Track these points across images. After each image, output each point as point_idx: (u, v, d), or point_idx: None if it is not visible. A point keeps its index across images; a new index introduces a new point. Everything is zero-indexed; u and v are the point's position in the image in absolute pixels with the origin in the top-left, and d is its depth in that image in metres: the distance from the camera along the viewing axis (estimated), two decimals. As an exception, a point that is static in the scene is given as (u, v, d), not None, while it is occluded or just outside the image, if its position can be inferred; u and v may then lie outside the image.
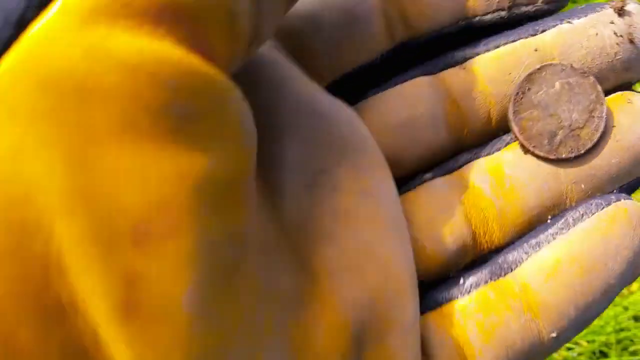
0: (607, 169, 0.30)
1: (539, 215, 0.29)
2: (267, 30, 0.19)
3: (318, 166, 0.24)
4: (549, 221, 0.29)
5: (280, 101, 0.24)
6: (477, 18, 0.31)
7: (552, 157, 0.29)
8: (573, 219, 0.28)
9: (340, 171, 0.25)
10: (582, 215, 0.28)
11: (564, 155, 0.30)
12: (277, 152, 0.23)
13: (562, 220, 0.29)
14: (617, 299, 0.92)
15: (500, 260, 0.28)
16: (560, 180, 0.30)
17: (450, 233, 0.28)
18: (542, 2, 0.32)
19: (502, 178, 0.29)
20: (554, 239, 0.28)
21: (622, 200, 0.29)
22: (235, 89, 0.17)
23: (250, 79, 0.22)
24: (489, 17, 0.31)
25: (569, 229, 0.28)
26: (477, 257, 0.29)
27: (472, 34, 0.31)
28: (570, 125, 0.30)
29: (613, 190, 0.30)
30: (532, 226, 0.29)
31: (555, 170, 0.30)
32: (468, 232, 0.28)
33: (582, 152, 0.30)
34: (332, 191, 0.24)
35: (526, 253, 0.28)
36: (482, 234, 0.29)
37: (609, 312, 0.92)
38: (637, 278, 0.29)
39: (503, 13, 0.31)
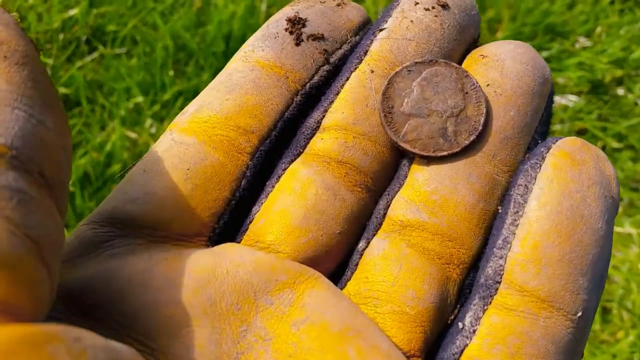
0: (512, 124, 0.29)
1: (486, 206, 0.28)
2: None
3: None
4: (499, 210, 0.28)
5: None
6: (307, 85, 0.31)
7: (457, 149, 0.29)
8: (521, 196, 0.28)
9: None
10: (526, 185, 0.28)
11: (466, 142, 0.29)
12: None
13: (512, 202, 0.28)
14: (605, 347, 0.91)
15: (482, 281, 0.27)
16: (480, 163, 0.29)
17: (421, 282, 0.27)
18: (351, 37, 0.32)
19: (428, 197, 0.28)
20: (516, 227, 0.27)
21: (552, 145, 0.28)
22: None
23: None
24: (316, 78, 0.31)
25: (523, 208, 0.27)
26: (460, 284, 0.28)
27: (313, 100, 0.31)
28: (453, 113, 0.30)
29: (533, 138, 0.30)
30: (488, 220, 0.28)
31: (469, 159, 0.29)
32: (436, 269, 0.28)
33: (480, 128, 0.29)
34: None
35: (501, 257, 0.27)
36: (449, 260, 0.28)
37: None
38: (617, 196, 0.28)
39: (326, 67, 0.31)
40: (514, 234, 0.27)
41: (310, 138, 0.30)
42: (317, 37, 0.31)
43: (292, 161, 0.30)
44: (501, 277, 0.26)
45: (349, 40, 0.32)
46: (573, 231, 0.26)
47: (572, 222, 0.26)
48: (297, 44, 0.31)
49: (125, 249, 0.27)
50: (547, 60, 1.19)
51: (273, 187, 0.29)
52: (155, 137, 1.04)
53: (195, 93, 1.07)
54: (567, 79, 1.17)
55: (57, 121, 0.21)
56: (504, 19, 1.22)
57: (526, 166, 0.28)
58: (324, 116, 0.30)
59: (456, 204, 0.28)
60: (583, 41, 1.22)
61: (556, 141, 0.29)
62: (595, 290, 0.26)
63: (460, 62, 0.32)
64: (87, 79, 1.07)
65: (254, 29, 1.15)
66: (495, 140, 0.29)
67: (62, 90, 1.06)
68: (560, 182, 0.27)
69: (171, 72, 1.09)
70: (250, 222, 0.29)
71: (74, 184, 0.97)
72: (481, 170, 0.29)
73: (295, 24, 0.31)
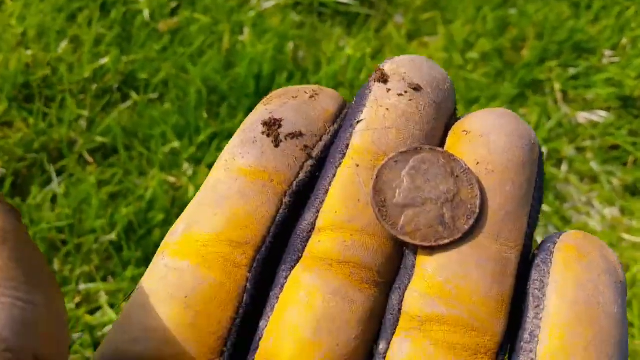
0: (510, 199, 0.29)
1: (501, 287, 0.28)
2: None
3: None
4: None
5: None
6: (294, 184, 0.30)
7: (458, 236, 0.28)
8: (539, 290, 0.28)
9: None
10: (542, 280, 0.28)
11: (466, 227, 0.29)
12: None
13: (530, 297, 0.28)
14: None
15: None
16: (486, 245, 0.29)
17: None
18: (330, 126, 0.32)
19: (442, 288, 0.28)
20: (539, 320, 0.28)
21: (557, 240, 0.29)
22: None
23: None
24: (301, 175, 0.30)
25: (543, 302, 0.28)
26: None
27: (302, 197, 0.31)
28: (447, 198, 0.29)
29: (534, 210, 0.30)
30: (506, 301, 0.28)
31: (475, 242, 0.29)
32: None
33: (478, 210, 0.29)
34: None
35: (531, 351, 0.27)
36: (476, 350, 0.28)
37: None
38: (624, 280, 0.29)
39: (310, 162, 0.31)
40: (539, 327, 0.27)
41: (307, 241, 0.29)
42: (296, 135, 0.31)
43: (293, 267, 0.29)
44: None
45: (328, 131, 0.31)
46: (593, 318, 0.27)
47: (590, 310, 0.27)
48: (277, 145, 0.30)
49: None
50: (575, 77, 1.20)
51: (277, 297, 0.29)
52: (192, 180, 1.06)
53: (229, 134, 1.08)
54: (596, 95, 1.18)
55: (46, 294, 0.21)
56: (528, 38, 1.23)
57: (537, 261, 0.29)
58: (316, 216, 0.30)
59: (471, 292, 0.28)
60: (609, 55, 1.22)
61: (559, 236, 0.29)
62: None
63: (443, 138, 0.32)
64: (122, 126, 1.09)
65: (282, 67, 1.16)
66: (497, 219, 0.29)
67: (100, 139, 1.08)
68: (573, 275, 0.28)
69: (205, 115, 1.11)
70: (260, 339, 0.29)
71: (119, 235, 0.99)
72: (489, 251, 0.28)
73: (272, 126, 0.31)
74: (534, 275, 0.29)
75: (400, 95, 0.31)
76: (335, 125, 0.32)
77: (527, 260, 0.30)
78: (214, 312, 0.27)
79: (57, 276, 0.95)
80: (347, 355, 0.27)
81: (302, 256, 0.29)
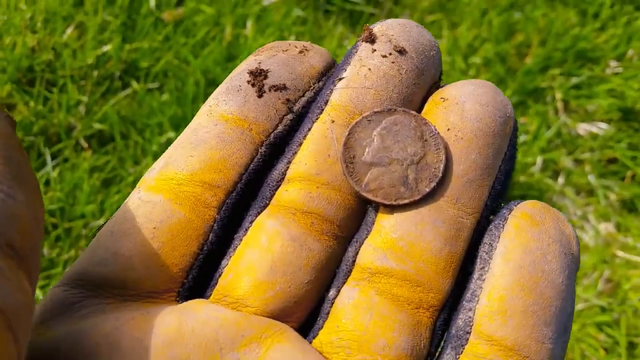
0: (474, 167, 0.30)
1: (452, 249, 0.29)
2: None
3: None
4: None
5: None
6: (271, 135, 0.31)
7: (417, 197, 0.29)
8: (486, 253, 0.29)
9: None
10: (491, 243, 0.29)
11: (427, 189, 0.29)
12: None
13: (478, 259, 0.29)
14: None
15: (453, 332, 0.28)
16: (444, 208, 0.29)
17: (391, 330, 0.28)
18: (314, 84, 0.32)
19: (395, 244, 0.29)
20: (482, 281, 0.28)
21: (514, 207, 0.30)
22: None
23: None
24: (280, 127, 0.31)
25: (489, 264, 0.28)
26: (432, 327, 0.29)
27: (279, 149, 0.31)
28: (413, 161, 0.30)
29: (497, 182, 0.30)
30: (455, 262, 0.29)
31: (434, 204, 0.29)
32: (406, 315, 0.28)
33: (440, 174, 0.29)
34: None
35: (470, 310, 0.28)
36: (418, 305, 0.29)
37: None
38: (577, 254, 0.29)
39: (289, 116, 0.32)
40: (481, 288, 0.28)
41: (276, 189, 0.31)
42: (279, 88, 0.32)
43: (259, 213, 0.30)
44: (471, 328, 0.28)
45: (311, 87, 0.32)
46: (535, 284, 0.28)
47: (533, 276, 0.28)
48: (260, 96, 0.31)
49: (95, 309, 0.28)
50: (577, 87, 1.18)
51: (241, 240, 0.30)
52: (186, 171, 1.07)
53: (224, 127, 1.09)
54: (598, 106, 1.16)
55: (28, 195, 0.22)
56: (533, 44, 1.21)
57: (490, 226, 0.30)
58: (288, 167, 0.31)
59: (422, 250, 0.29)
60: (614, 66, 1.20)
61: (518, 204, 0.30)
62: (560, 339, 0.28)
63: (421, 104, 0.32)
64: (120, 114, 1.11)
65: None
66: (458, 185, 0.30)
67: (97, 126, 1.09)
68: (522, 241, 0.28)
69: (201, 107, 1.11)
70: (220, 275, 0.30)
71: (109, 221, 1.00)
72: (446, 214, 0.29)
73: (257, 76, 0.32)
74: (485, 239, 0.30)
75: (384, 56, 0.31)
76: (320, 83, 0.33)
77: (483, 233, 0.31)
78: (179, 245, 0.29)
79: (45, 259, 0.97)
80: (297, 297, 0.29)
81: (269, 204, 0.31)
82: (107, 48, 1.16)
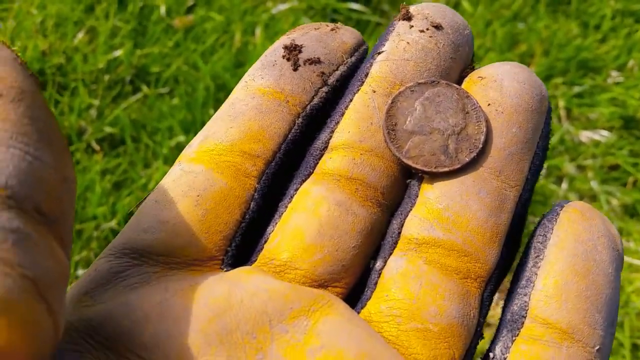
0: (515, 141, 0.31)
1: (497, 220, 0.30)
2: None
3: None
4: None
5: None
6: (307, 107, 0.32)
7: (457, 166, 0.30)
8: (541, 243, 0.29)
9: None
10: (545, 235, 0.30)
11: (467, 159, 0.30)
12: None
13: (532, 249, 0.30)
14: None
15: (509, 317, 0.29)
16: (487, 179, 0.30)
17: (442, 298, 0.28)
18: (347, 58, 0.33)
19: (441, 214, 0.29)
20: (537, 268, 0.29)
21: (565, 205, 0.30)
22: None
23: None
24: (316, 100, 0.32)
25: (543, 253, 0.29)
26: (480, 298, 0.29)
27: (315, 121, 0.32)
28: (454, 131, 0.30)
29: (537, 157, 0.31)
30: (500, 233, 0.30)
31: (477, 175, 0.30)
32: (454, 284, 0.29)
33: (481, 145, 0.30)
34: None
35: (525, 295, 0.29)
36: (466, 275, 0.29)
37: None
38: (622, 253, 0.30)
39: (325, 89, 0.32)
40: (536, 274, 0.29)
41: (319, 158, 0.31)
42: (314, 61, 0.32)
43: (303, 182, 0.31)
44: (526, 312, 0.28)
45: (345, 62, 0.33)
46: (588, 271, 0.28)
47: (586, 264, 0.28)
48: (295, 69, 0.32)
49: (140, 278, 0.27)
50: (579, 96, 1.21)
51: (286, 207, 0.30)
52: (196, 174, 1.08)
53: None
54: (600, 115, 1.18)
55: (55, 156, 0.21)
56: (536, 54, 1.24)
57: (544, 220, 0.30)
58: (330, 137, 0.31)
59: (469, 220, 0.29)
60: (615, 76, 1.23)
61: (568, 202, 0.31)
62: (609, 329, 0.28)
63: (457, 82, 0.33)
64: (131, 118, 1.12)
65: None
66: (500, 157, 0.30)
67: (108, 129, 1.10)
68: (575, 232, 0.29)
69: (211, 111, 1.13)
70: (265, 241, 0.30)
71: (119, 223, 1.01)
72: (490, 185, 0.30)
73: (292, 51, 0.32)
74: (539, 231, 0.30)
75: (421, 31, 0.32)
76: (353, 58, 0.33)
77: (525, 205, 0.31)
78: (222, 212, 0.29)
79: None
80: (345, 261, 0.29)
81: (313, 172, 0.31)
82: (118, 53, 1.18)
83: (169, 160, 1.09)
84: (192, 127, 1.12)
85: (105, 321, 0.25)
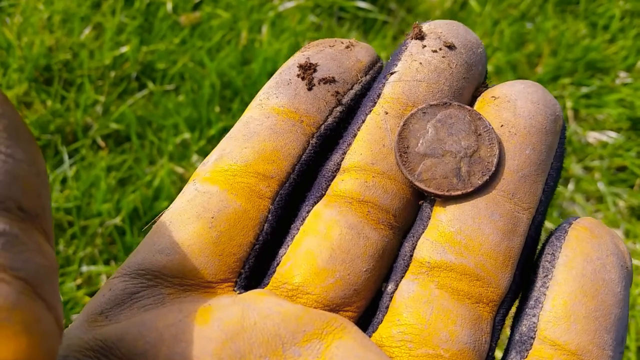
0: (529, 162, 0.30)
1: (510, 243, 0.29)
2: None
3: None
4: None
5: None
6: (322, 127, 0.32)
7: (470, 189, 0.30)
8: (549, 262, 0.29)
9: None
10: (553, 253, 0.29)
11: (480, 182, 0.30)
12: None
13: (540, 268, 0.29)
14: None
15: (517, 338, 0.29)
16: (500, 202, 0.30)
17: (453, 323, 0.28)
18: (362, 77, 0.33)
19: (453, 237, 0.29)
20: (546, 288, 0.29)
21: (573, 222, 0.30)
22: None
23: None
24: (330, 119, 0.32)
25: (552, 273, 0.29)
26: (492, 322, 0.29)
27: (329, 141, 0.32)
28: (466, 154, 0.30)
29: (550, 179, 0.31)
30: (513, 257, 0.29)
31: (490, 198, 0.30)
32: (466, 309, 0.28)
33: (494, 168, 0.30)
34: None
35: (534, 316, 0.28)
36: (478, 299, 0.29)
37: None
38: (631, 269, 0.30)
39: (339, 108, 0.32)
40: (545, 294, 0.29)
41: (331, 180, 0.31)
42: (328, 80, 0.32)
43: (315, 203, 0.31)
44: (535, 334, 0.28)
45: (359, 80, 0.33)
46: (597, 292, 0.28)
47: (595, 284, 0.28)
48: (310, 89, 0.32)
49: (155, 299, 0.28)
50: (587, 96, 1.20)
51: (298, 229, 0.30)
52: (201, 171, 1.07)
53: (240, 129, 1.10)
54: (607, 116, 1.18)
55: (26, 151, 0.21)
56: (544, 54, 1.23)
57: (552, 238, 0.30)
58: (343, 158, 0.31)
59: (481, 244, 0.29)
60: (623, 77, 1.22)
61: (576, 219, 0.31)
62: (618, 348, 0.28)
63: (470, 101, 0.33)
64: (137, 115, 1.12)
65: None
66: (513, 179, 0.30)
67: (114, 126, 1.10)
68: (583, 251, 0.29)
69: (217, 109, 1.13)
70: (278, 264, 0.30)
71: (123, 220, 1.01)
72: (502, 208, 0.29)
73: (307, 70, 0.32)
74: (547, 249, 0.30)
75: (434, 51, 0.32)
76: (367, 77, 0.33)
77: (539, 228, 0.31)
78: (236, 234, 0.29)
79: (61, 256, 0.98)
80: (356, 285, 0.29)
81: (325, 194, 0.31)
82: (124, 49, 1.18)
83: (174, 157, 1.09)
84: (197, 124, 1.12)
85: (120, 341, 0.26)
